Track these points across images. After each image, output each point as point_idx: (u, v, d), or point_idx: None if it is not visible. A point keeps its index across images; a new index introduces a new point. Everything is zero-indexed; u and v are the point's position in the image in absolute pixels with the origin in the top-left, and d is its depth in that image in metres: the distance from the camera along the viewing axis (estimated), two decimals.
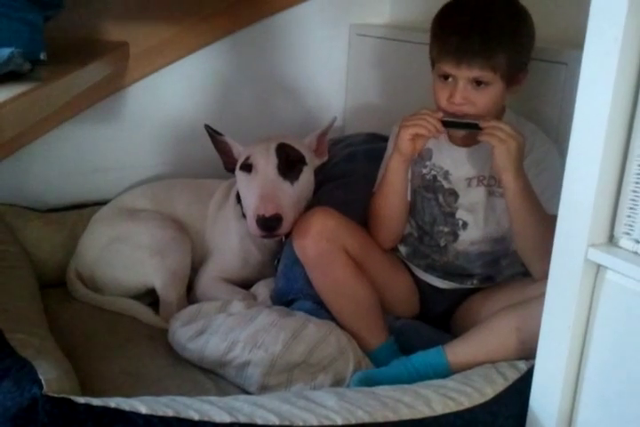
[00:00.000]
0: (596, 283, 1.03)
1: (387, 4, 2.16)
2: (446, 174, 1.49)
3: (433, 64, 1.43)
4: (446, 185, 1.50)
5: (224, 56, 2.04)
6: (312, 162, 1.69)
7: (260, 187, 1.56)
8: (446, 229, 1.52)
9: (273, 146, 1.62)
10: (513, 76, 1.38)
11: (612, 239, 1.01)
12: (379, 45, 2.06)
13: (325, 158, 1.76)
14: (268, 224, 1.51)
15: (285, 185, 1.59)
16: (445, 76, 1.37)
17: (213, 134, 1.71)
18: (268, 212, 1.51)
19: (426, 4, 1.96)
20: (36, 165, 1.92)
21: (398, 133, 1.40)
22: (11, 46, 1.15)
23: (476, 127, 1.34)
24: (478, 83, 1.35)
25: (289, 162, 1.61)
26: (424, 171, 1.52)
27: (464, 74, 1.34)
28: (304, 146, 1.70)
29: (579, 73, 0.99)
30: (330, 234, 1.45)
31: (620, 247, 1.00)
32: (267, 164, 1.59)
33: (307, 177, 1.65)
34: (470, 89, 1.35)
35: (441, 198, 1.51)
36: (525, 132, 1.36)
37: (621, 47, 0.92)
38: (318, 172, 1.74)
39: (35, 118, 1.15)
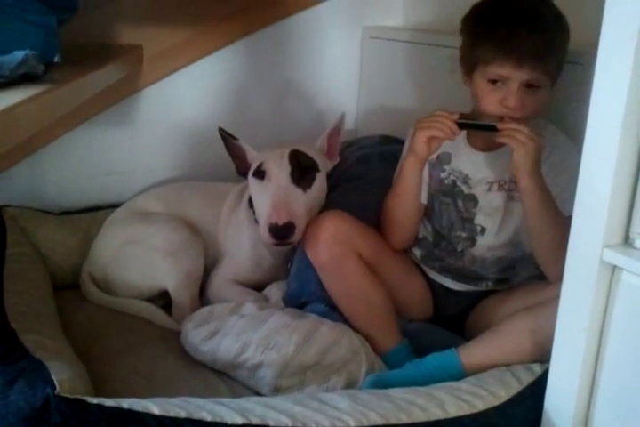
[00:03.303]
0: (611, 284, 1.02)
1: (400, 6, 2.16)
2: (466, 179, 1.49)
3: (473, 66, 1.39)
4: (466, 190, 1.49)
5: (237, 59, 2.05)
6: (325, 167, 1.69)
7: (273, 195, 1.56)
8: (464, 235, 1.51)
9: (286, 153, 1.61)
10: (557, 77, 1.38)
11: (627, 240, 1.00)
12: (392, 48, 2.06)
13: (337, 161, 1.75)
14: (281, 232, 1.51)
15: (298, 193, 1.58)
16: (496, 80, 1.35)
17: (227, 138, 1.71)
18: (281, 220, 1.50)
19: (439, 7, 1.97)
20: (49, 167, 1.93)
21: (413, 135, 1.39)
22: (25, 49, 1.16)
23: (492, 129, 1.32)
24: (529, 85, 1.34)
25: (302, 169, 1.60)
26: (442, 175, 1.51)
27: (523, 76, 1.32)
28: (316, 151, 1.69)
29: (594, 73, 0.98)
30: (342, 237, 1.44)
31: (636, 248, 0.99)
32: (280, 171, 1.59)
33: (319, 184, 1.64)
34: (523, 91, 1.34)
35: (460, 204, 1.50)
36: (546, 135, 1.36)
37: (636, 46, 0.91)
38: (331, 174, 1.73)
39: (48, 120, 1.16)
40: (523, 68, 1.32)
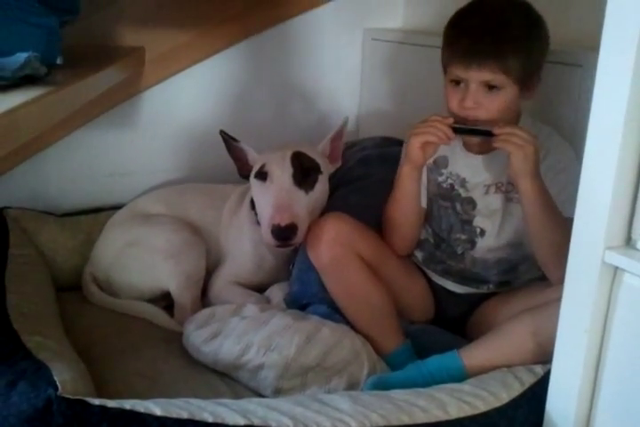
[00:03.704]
0: (613, 286, 1.02)
1: (400, 8, 2.17)
2: (463, 182, 1.49)
3: (445, 69, 1.42)
4: (464, 193, 1.49)
5: (239, 61, 2.05)
6: (327, 169, 1.69)
7: (275, 196, 1.56)
8: (464, 237, 1.51)
9: (288, 154, 1.61)
10: (526, 81, 1.37)
11: (629, 242, 1.00)
12: (392, 49, 2.06)
13: (339, 164, 1.75)
14: (283, 234, 1.51)
15: (300, 194, 1.58)
16: (457, 81, 1.37)
17: (228, 140, 1.71)
18: (284, 221, 1.50)
19: (439, 9, 1.96)
20: (51, 169, 1.93)
21: (408, 141, 1.40)
22: (28, 51, 1.16)
23: (487, 134, 1.33)
24: (490, 87, 1.34)
25: (304, 171, 1.60)
26: (440, 179, 1.52)
27: (475, 77, 1.33)
28: (319, 153, 1.69)
29: (594, 75, 0.98)
30: (344, 239, 1.44)
31: (638, 250, 0.99)
32: (282, 173, 1.59)
33: (321, 186, 1.64)
34: (482, 93, 1.34)
35: (458, 207, 1.50)
36: (542, 137, 1.35)
37: (637, 48, 0.91)
38: (332, 175, 1.73)
39: (50, 122, 1.16)
40: (472, 69, 1.33)
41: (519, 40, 1.34)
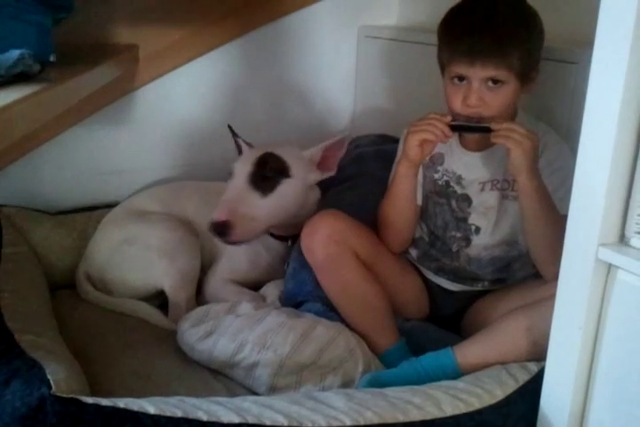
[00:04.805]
0: (607, 283, 1.02)
1: (395, 5, 2.17)
2: (459, 179, 1.49)
3: (442, 68, 1.42)
4: (459, 190, 1.49)
5: (233, 59, 2.05)
6: (306, 175, 1.65)
7: (226, 192, 1.57)
8: (459, 235, 1.51)
9: (258, 155, 1.62)
10: (526, 75, 1.37)
11: (622, 239, 1.00)
12: (387, 47, 2.06)
13: (332, 173, 1.70)
14: (217, 229, 1.52)
15: (254, 196, 1.57)
16: (459, 78, 1.36)
17: (234, 135, 1.73)
18: (219, 218, 1.52)
19: (434, 6, 1.96)
20: (46, 167, 1.93)
21: (406, 139, 1.39)
22: (21, 48, 1.15)
23: (485, 130, 1.33)
24: (494, 82, 1.34)
25: (264, 173, 1.59)
26: (436, 176, 1.52)
27: (478, 74, 1.33)
28: (298, 158, 1.66)
29: (589, 72, 0.98)
30: (338, 237, 1.44)
31: (632, 247, 0.99)
32: (241, 171, 1.60)
33: (287, 190, 1.61)
34: (485, 89, 1.34)
35: (454, 204, 1.50)
36: (538, 133, 1.36)
37: (631, 45, 0.91)
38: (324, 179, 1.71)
39: (43, 119, 1.16)
40: (476, 66, 1.32)
41: (518, 35, 1.34)
